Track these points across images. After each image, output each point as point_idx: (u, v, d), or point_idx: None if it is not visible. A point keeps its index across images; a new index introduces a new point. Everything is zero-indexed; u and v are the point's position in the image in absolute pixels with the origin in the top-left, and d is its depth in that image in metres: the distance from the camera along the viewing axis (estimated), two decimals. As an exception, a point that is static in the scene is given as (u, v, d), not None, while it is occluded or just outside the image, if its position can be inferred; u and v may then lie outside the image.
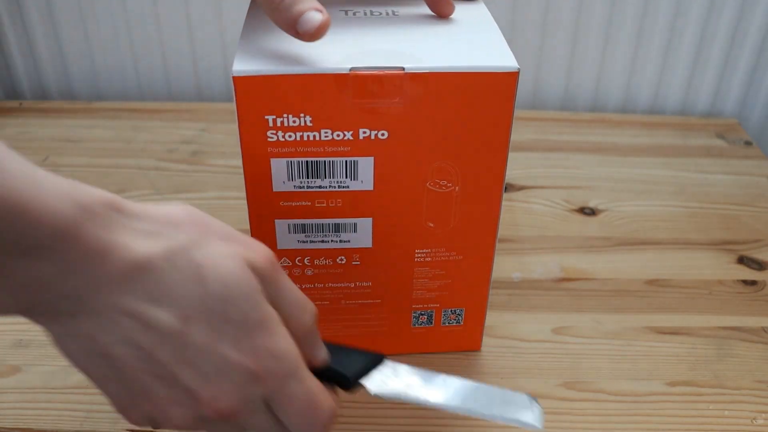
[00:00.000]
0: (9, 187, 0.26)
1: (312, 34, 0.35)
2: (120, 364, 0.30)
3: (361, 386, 0.36)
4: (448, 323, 0.48)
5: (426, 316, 0.47)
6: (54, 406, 0.45)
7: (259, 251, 0.32)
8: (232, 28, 0.79)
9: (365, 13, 0.42)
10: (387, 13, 0.42)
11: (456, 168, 0.40)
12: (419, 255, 0.44)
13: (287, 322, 0.33)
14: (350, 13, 0.42)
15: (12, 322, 0.51)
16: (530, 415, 0.34)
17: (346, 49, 0.38)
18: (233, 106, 0.37)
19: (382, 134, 0.38)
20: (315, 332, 0.35)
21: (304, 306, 0.34)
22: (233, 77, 0.36)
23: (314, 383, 0.33)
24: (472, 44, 0.39)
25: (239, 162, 0.39)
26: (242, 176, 0.39)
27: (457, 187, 0.41)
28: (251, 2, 0.44)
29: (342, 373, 0.36)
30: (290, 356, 0.32)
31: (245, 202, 0.41)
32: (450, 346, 0.49)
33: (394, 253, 0.44)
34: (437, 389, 0.36)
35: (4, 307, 0.28)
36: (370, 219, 0.42)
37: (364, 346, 0.48)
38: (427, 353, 0.49)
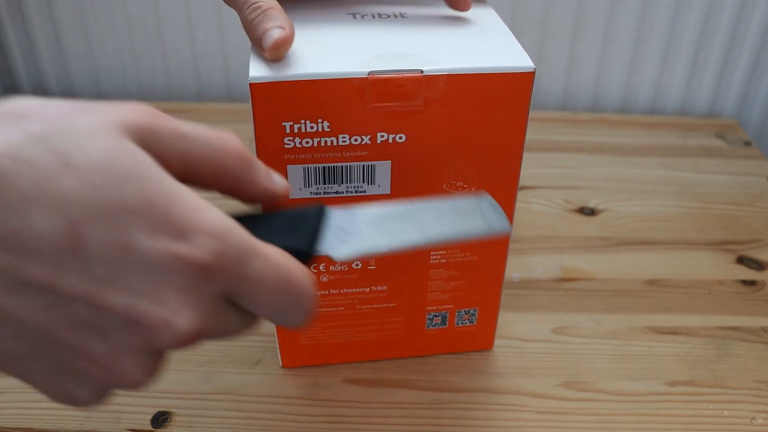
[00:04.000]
0: None
1: (271, 50, 0.36)
2: (24, 325, 0.22)
3: (320, 257, 0.30)
4: (462, 323, 0.48)
5: (440, 318, 0.47)
6: (55, 405, 0.45)
7: (132, 109, 0.25)
8: (232, 28, 0.79)
9: (373, 16, 0.42)
10: (395, 15, 0.42)
11: (472, 169, 0.40)
12: (434, 257, 0.44)
13: (208, 173, 0.26)
14: (358, 17, 0.42)
15: (13, 322, 0.51)
16: (494, 219, 0.32)
17: (360, 53, 0.37)
18: (245, 108, 0.37)
19: (400, 137, 0.38)
20: (249, 160, 0.28)
21: (218, 138, 0.27)
22: (250, 84, 0.35)
23: (277, 252, 0.26)
24: (485, 45, 0.39)
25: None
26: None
27: (473, 188, 0.41)
28: None
29: (296, 247, 0.28)
30: (232, 227, 0.24)
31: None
32: (463, 346, 0.49)
33: (410, 255, 0.43)
34: (394, 231, 0.31)
35: None
36: None
37: (378, 350, 0.48)
38: (438, 354, 0.49)
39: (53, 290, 0.22)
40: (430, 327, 0.47)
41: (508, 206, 0.42)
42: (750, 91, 0.82)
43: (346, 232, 0.30)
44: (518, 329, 0.52)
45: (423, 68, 0.36)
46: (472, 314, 0.47)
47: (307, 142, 0.37)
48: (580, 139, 0.75)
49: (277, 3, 0.37)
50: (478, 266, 0.45)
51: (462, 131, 0.39)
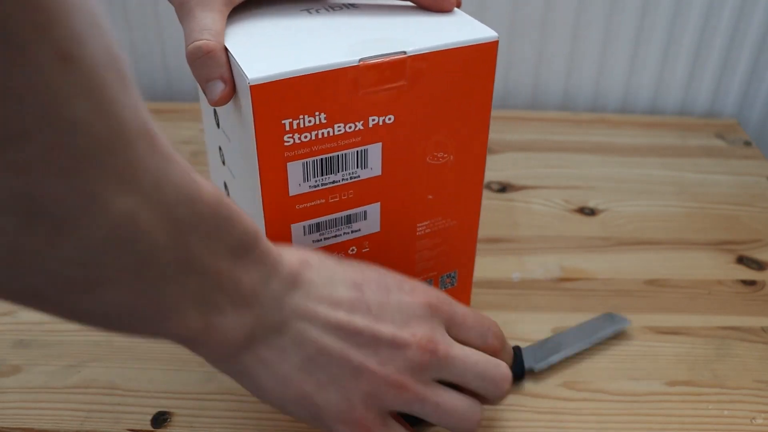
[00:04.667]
0: (218, 195, 0.29)
1: (214, 103, 0.37)
2: (329, 354, 0.34)
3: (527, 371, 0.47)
4: (444, 287, 0.49)
5: None
6: (55, 405, 0.45)
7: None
8: (232, 28, 0.79)
9: (326, 9, 0.43)
10: (346, 6, 0.43)
11: (450, 139, 0.42)
12: (420, 228, 0.45)
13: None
14: (313, 11, 0.42)
15: (12, 322, 0.51)
16: (619, 322, 0.51)
17: (340, 43, 0.38)
18: (245, 115, 0.37)
19: (389, 119, 0.39)
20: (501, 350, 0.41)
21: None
22: (250, 86, 0.35)
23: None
24: (443, 24, 0.41)
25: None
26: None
27: (452, 157, 0.43)
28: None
29: (517, 369, 0.46)
30: (439, 290, 0.39)
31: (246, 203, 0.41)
32: None
33: (399, 231, 0.45)
34: (564, 347, 0.49)
35: (233, 337, 0.32)
36: (378, 203, 0.42)
37: None
38: None
39: (350, 325, 0.35)
40: None
41: (480, 165, 0.45)
42: (750, 91, 0.82)
43: (537, 355, 0.48)
44: (518, 329, 0.52)
45: (406, 50, 0.38)
46: (453, 277, 0.49)
47: (305, 137, 0.38)
48: (580, 139, 0.75)
49: (220, 39, 0.37)
50: (457, 230, 0.47)
51: (441, 104, 0.40)
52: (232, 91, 0.37)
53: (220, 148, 0.45)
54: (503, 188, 0.67)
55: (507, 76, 0.80)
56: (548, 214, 0.64)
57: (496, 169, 0.70)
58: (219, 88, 0.36)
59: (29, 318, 0.51)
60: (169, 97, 0.83)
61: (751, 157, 0.73)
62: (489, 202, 0.65)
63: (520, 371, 0.46)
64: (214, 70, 0.36)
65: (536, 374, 0.48)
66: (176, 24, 0.78)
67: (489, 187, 0.67)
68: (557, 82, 0.81)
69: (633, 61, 0.80)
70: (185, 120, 0.77)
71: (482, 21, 0.42)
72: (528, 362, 0.47)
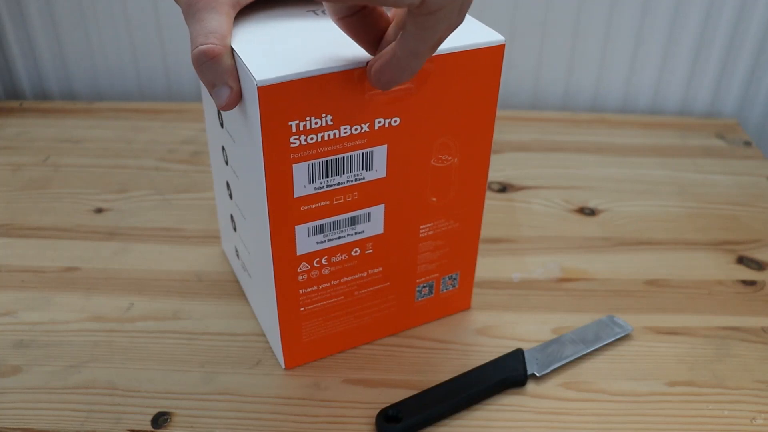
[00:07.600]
0: None
1: (222, 108, 0.37)
2: None
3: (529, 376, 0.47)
4: (446, 289, 0.50)
5: (428, 288, 0.49)
6: (55, 406, 0.45)
7: None
8: (232, 28, 0.79)
9: None
10: None
11: (455, 141, 0.42)
12: (423, 230, 0.46)
13: None
14: (320, 13, 0.42)
15: (12, 322, 0.51)
16: (620, 328, 0.51)
17: (345, 44, 0.38)
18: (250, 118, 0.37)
19: (395, 121, 0.39)
20: None
21: None
22: (258, 88, 0.34)
23: None
24: None
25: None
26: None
27: (456, 159, 0.43)
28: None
29: (520, 373, 0.47)
30: None
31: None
32: (447, 311, 0.52)
33: (403, 233, 0.45)
34: (566, 353, 0.49)
35: None
36: (383, 205, 0.43)
37: (373, 332, 0.50)
38: (427, 323, 0.52)
39: None
40: (420, 299, 0.49)
41: (483, 168, 0.45)
42: (750, 91, 0.82)
43: (538, 358, 0.48)
44: (518, 329, 0.52)
45: None
46: (455, 278, 0.50)
47: (311, 138, 0.38)
48: (580, 139, 0.75)
49: (226, 44, 0.36)
50: (460, 232, 0.47)
51: (447, 107, 0.41)
52: (240, 95, 0.37)
53: (223, 148, 0.45)
54: (503, 188, 0.67)
55: (507, 76, 0.80)
56: (548, 214, 0.64)
57: (496, 169, 0.70)
58: (225, 93, 0.36)
59: (29, 318, 0.51)
60: (169, 97, 0.83)
61: (751, 157, 0.73)
62: (489, 202, 0.65)
63: (522, 375, 0.46)
64: (220, 75, 0.36)
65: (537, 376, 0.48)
66: (176, 24, 0.79)
67: (489, 187, 0.67)
68: (557, 82, 0.81)
69: (633, 61, 0.80)
70: (185, 120, 0.77)
71: (482, 21, 0.42)
72: (530, 368, 0.47)
